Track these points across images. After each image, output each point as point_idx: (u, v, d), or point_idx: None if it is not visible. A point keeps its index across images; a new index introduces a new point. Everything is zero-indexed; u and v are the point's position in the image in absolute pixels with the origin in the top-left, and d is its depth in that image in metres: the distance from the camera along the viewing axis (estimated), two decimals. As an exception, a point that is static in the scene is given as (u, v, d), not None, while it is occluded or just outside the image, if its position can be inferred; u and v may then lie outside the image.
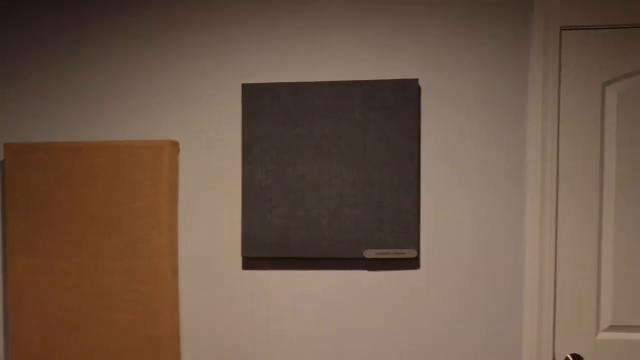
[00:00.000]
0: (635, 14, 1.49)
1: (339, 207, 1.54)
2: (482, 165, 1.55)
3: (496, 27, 1.54)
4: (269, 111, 1.56)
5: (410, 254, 1.53)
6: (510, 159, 1.54)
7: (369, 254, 1.53)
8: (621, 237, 1.51)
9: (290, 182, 1.55)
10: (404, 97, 1.54)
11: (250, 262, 1.59)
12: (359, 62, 1.58)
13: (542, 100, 1.51)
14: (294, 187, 1.55)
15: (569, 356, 1.52)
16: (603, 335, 1.53)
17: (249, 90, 1.56)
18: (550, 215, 1.51)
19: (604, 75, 1.51)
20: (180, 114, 1.61)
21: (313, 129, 1.55)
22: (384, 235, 1.53)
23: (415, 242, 1.53)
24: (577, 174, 1.52)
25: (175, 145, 1.59)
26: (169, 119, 1.62)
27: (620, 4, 1.49)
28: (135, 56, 1.62)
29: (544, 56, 1.51)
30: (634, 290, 1.51)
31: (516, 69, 1.54)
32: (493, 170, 1.55)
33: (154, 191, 1.55)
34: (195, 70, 1.61)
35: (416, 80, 1.53)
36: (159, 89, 1.62)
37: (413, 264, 1.56)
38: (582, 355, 1.52)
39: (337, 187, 1.54)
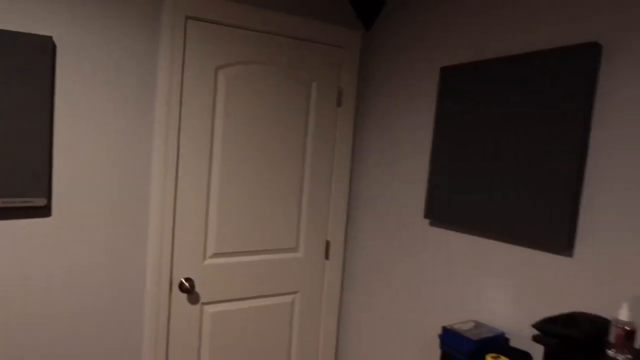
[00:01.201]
0: (245, 18, 1.96)
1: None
2: (114, 120, 1.77)
3: (131, 4, 1.75)
4: None
5: (39, 202, 1.62)
6: (140, 119, 1.81)
7: (-6, 202, 1.55)
8: (223, 187, 1.99)
9: None
10: (36, 52, 1.59)
11: None
12: (-14, 8, 1.54)
13: (168, 74, 1.82)
14: None
15: (182, 279, 1.94)
16: (208, 261, 2.00)
17: None
18: (171, 168, 1.86)
19: (217, 61, 1.94)
20: None
21: None
22: (12, 184, 1.57)
23: (45, 190, 1.63)
24: (194, 133, 1.91)
25: None
26: None
27: (236, 6, 1.92)
28: None
29: (170, 37, 1.82)
30: (229, 226, 2.03)
31: (148, 43, 1.80)
32: (125, 124, 1.78)
33: None
34: None
35: (50, 37, 1.61)
36: None
37: (44, 211, 1.67)
38: (192, 277, 1.96)
39: (-46, 135, 1.49)
